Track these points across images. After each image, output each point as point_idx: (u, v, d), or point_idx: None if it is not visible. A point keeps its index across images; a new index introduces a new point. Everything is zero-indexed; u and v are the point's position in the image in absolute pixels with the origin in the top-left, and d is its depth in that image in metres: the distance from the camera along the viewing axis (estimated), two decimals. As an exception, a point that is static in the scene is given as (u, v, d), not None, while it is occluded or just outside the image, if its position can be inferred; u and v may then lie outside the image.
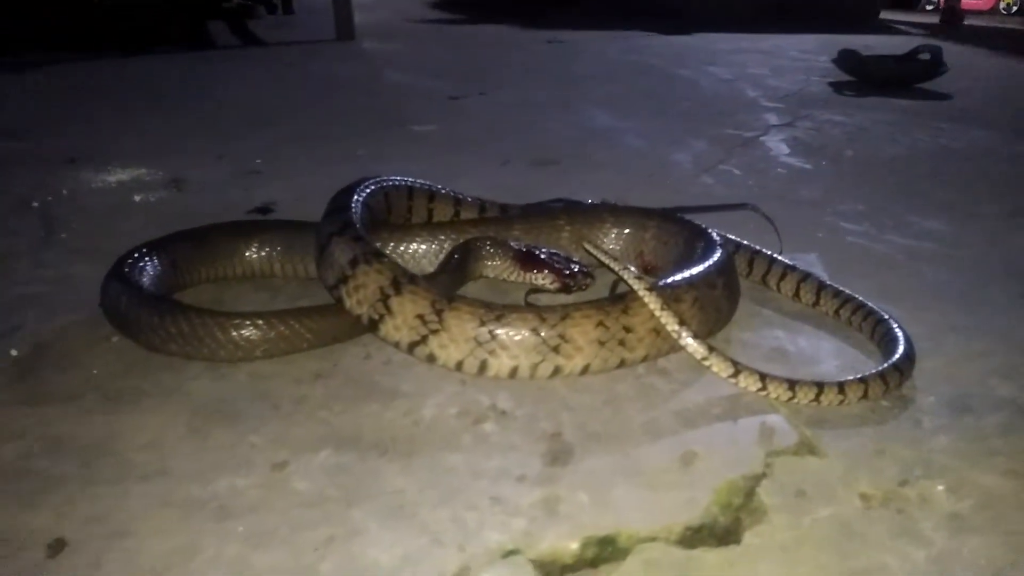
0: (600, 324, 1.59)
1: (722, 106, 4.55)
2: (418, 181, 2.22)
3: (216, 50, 6.81)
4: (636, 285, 1.61)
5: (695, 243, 1.98)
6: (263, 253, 2.03)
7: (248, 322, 1.65)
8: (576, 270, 1.96)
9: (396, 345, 1.63)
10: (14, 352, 1.70)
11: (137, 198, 2.73)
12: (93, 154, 3.23)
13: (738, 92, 5.03)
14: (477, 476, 1.31)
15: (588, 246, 1.79)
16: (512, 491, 1.27)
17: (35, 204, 2.64)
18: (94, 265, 2.08)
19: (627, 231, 2.15)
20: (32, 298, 1.94)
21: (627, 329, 1.61)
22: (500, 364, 1.58)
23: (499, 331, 1.57)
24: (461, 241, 1.99)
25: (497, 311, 1.59)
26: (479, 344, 1.58)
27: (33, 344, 1.73)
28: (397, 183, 2.14)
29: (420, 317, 1.60)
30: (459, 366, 1.59)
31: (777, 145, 3.64)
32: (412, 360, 1.65)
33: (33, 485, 1.28)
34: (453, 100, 4.59)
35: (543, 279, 1.97)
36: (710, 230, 2.02)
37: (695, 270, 1.78)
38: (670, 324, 1.58)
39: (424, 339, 1.60)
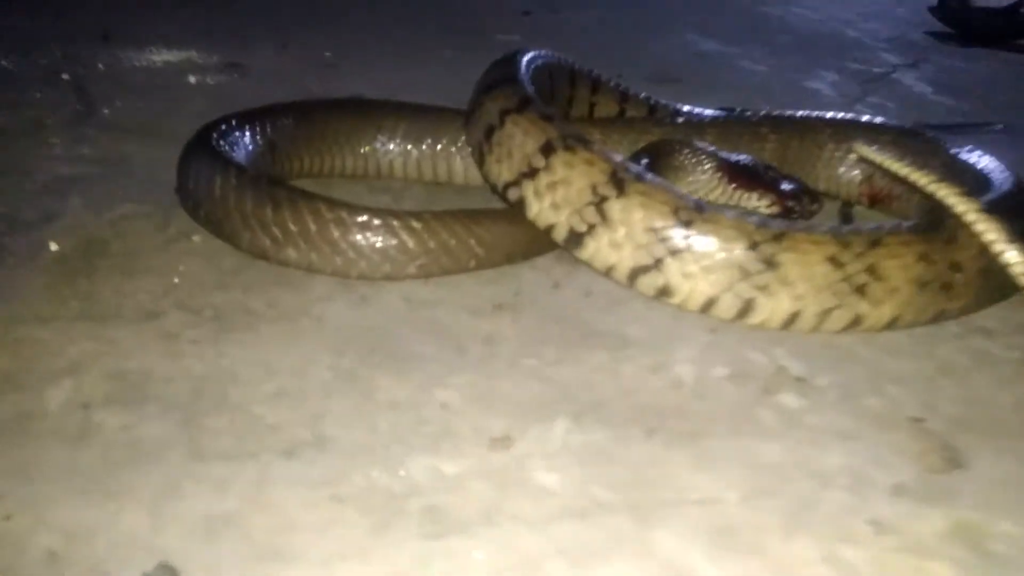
0: (923, 258, 1.08)
1: (826, 42, 3.98)
2: (577, 64, 1.67)
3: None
4: (963, 205, 1.09)
5: (962, 167, 1.47)
6: (390, 145, 1.49)
7: (403, 224, 1.12)
8: (799, 190, 1.44)
9: (608, 271, 1.12)
10: (54, 246, 1.17)
11: (192, 79, 2.16)
12: (129, 32, 2.64)
13: (836, 31, 4.44)
14: (823, 482, 0.80)
15: (864, 149, 1.26)
16: (894, 511, 0.77)
17: (65, 76, 2.07)
18: (151, 146, 1.54)
19: (848, 148, 1.62)
20: (75, 180, 1.39)
21: (954, 267, 1.10)
22: (775, 307, 1.07)
23: (781, 257, 1.06)
24: (647, 143, 1.46)
25: (775, 228, 1.08)
26: (747, 276, 1.06)
27: (81, 238, 1.19)
28: (561, 62, 1.60)
29: (654, 231, 1.08)
30: (708, 306, 1.08)
31: (916, 83, 3.10)
32: (622, 293, 1.13)
33: (114, 454, 0.76)
34: (526, 15, 4.00)
35: (758, 200, 1.44)
36: (985, 154, 1.50)
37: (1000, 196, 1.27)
38: (1018, 262, 1.07)
39: (658, 264, 1.09)
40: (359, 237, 1.10)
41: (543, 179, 1.15)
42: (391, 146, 1.51)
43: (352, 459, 0.78)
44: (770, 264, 1.05)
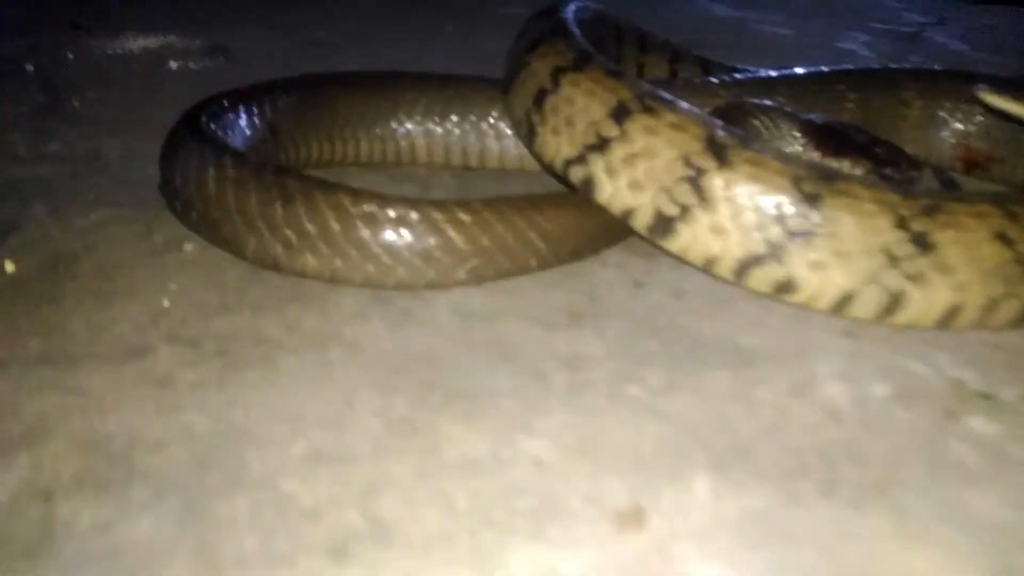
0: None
1: (843, 4, 3.75)
2: (623, 18, 1.43)
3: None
4: None
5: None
6: (411, 124, 1.25)
7: (450, 218, 0.88)
8: (896, 154, 1.21)
9: (708, 265, 0.88)
10: (10, 267, 0.92)
11: (173, 65, 1.90)
12: (101, 19, 2.36)
13: (848, -9, 4.23)
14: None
15: (991, 96, 1.03)
16: None
17: (29, 67, 1.81)
18: (128, 140, 1.29)
19: (940, 105, 1.39)
20: (37, 183, 1.14)
21: None
22: (930, 300, 0.83)
23: (937, 237, 0.83)
24: (722, 104, 1.22)
25: (925, 199, 0.84)
26: (894, 262, 0.83)
27: (45, 255, 0.95)
28: (607, 15, 1.35)
29: (769, 210, 0.84)
30: (844, 303, 0.85)
31: (950, 40, 2.87)
32: (723, 291, 0.90)
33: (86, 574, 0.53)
34: (524, -11, 3.73)
35: (850, 169, 1.21)
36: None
37: None
38: None
39: (776, 252, 0.85)
40: (395, 236, 0.86)
41: (617, 151, 0.91)
42: (412, 125, 1.26)
43: (426, 557, 0.54)
44: (924, 246, 0.82)
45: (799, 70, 1.39)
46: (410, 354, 0.78)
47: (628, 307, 0.89)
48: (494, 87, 1.28)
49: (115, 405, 0.68)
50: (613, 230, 1.00)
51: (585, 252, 0.98)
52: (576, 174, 0.95)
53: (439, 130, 1.27)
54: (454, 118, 1.27)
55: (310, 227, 0.86)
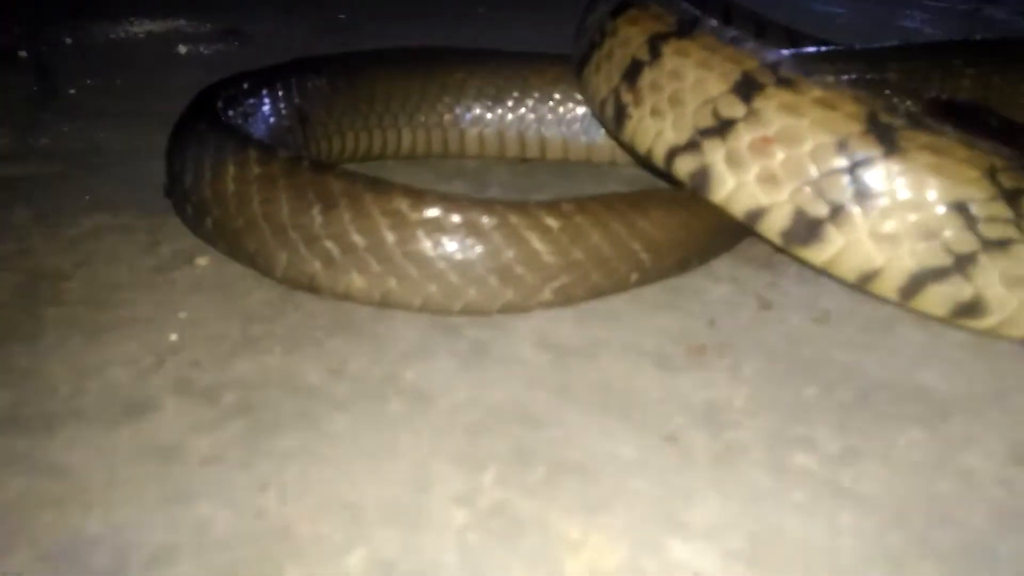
0: None
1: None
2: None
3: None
4: None
5: None
6: (460, 109, 1.05)
7: (532, 223, 0.68)
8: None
9: (866, 280, 0.67)
10: (-17, 291, 0.74)
11: (182, 49, 1.71)
12: (103, 2, 2.18)
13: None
14: None
15: None
16: None
17: (23, 54, 1.62)
18: (131, 133, 1.10)
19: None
20: (22, 183, 0.95)
21: None
22: None
23: None
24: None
25: None
26: None
27: (26, 273, 0.75)
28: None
29: (957, 208, 0.64)
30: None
31: (1012, 17, 2.65)
32: (877, 312, 0.70)
33: None
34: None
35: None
36: None
37: None
38: None
39: (961, 265, 0.65)
40: (465, 248, 0.67)
41: (744, 136, 0.71)
42: (461, 111, 1.07)
43: None
44: None
45: (909, 43, 1.19)
46: (493, 406, 0.59)
47: (760, 335, 0.69)
48: (556, 64, 1.08)
49: (103, 492, 0.49)
50: (724, 235, 0.80)
51: (693, 263, 0.78)
52: (684, 165, 0.75)
53: (493, 116, 1.07)
54: (510, 102, 1.07)
55: (357, 238, 0.67)
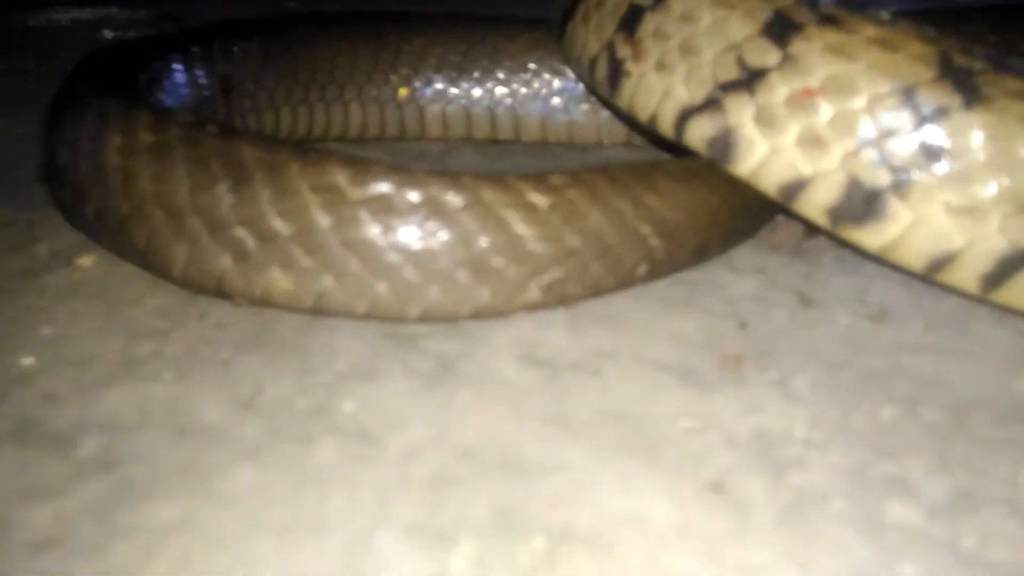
0: None
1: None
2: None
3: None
4: None
5: None
6: (419, 82, 0.88)
7: (514, 199, 0.52)
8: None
9: (934, 267, 0.52)
10: None
11: (109, 35, 1.53)
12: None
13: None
14: None
15: None
16: None
17: (-78, 39, 1.43)
18: (27, 118, 0.92)
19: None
20: None
21: None
22: None
23: None
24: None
25: None
26: None
27: None
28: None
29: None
30: None
31: None
32: (930, 305, 0.56)
33: None
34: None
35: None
36: None
37: None
38: None
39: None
40: (423, 234, 0.51)
41: (779, 89, 0.56)
42: (420, 84, 0.91)
43: None
44: None
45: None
46: (465, 447, 0.42)
47: (807, 340, 0.54)
48: (531, 30, 0.92)
49: None
50: (751, 217, 0.65)
51: (712, 251, 0.63)
52: (700, 130, 0.60)
53: (458, 90, 0.91)
54: (477, 73, 0.91)
55: (279, 223, 0.50)
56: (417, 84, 0.90)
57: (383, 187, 0.49)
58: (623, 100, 0.67)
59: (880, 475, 0.41)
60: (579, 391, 0.47)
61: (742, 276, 0.62)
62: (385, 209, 0.49)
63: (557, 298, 0.54)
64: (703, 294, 0.59)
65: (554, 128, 0.92)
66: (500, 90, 0.91)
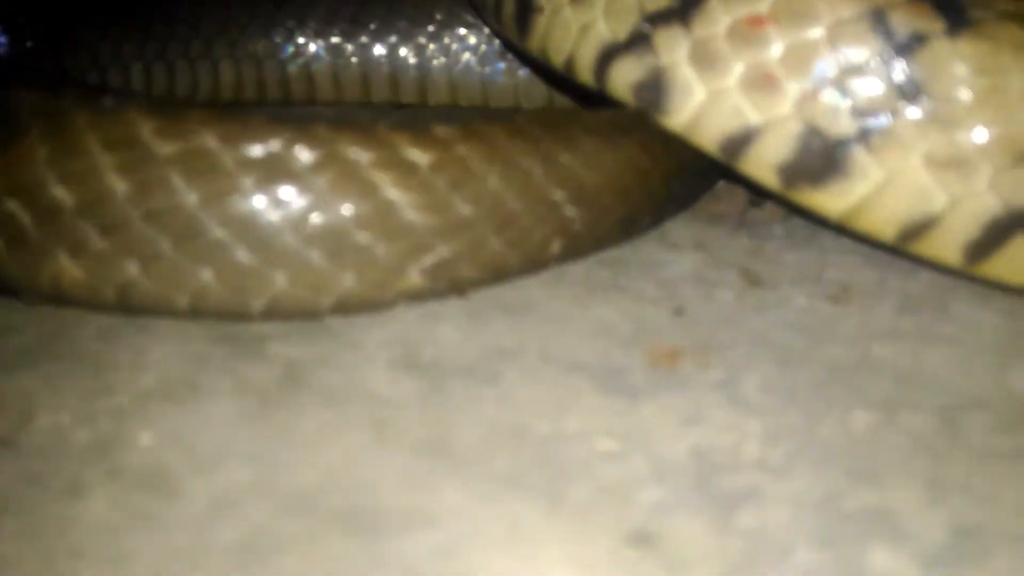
0: None
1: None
2: None
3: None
4: None
5: None
6: (303, 38, 0.75)
7: (384, 156, 0.41)
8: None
9: (908, 235, 0.43)
10: None
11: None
12: None
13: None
14: None
15: None
16: None
17: None
18: None
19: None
20: None
21: None
22: None
23: None
24: None
25: None
26: None
27: None
28: None
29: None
30: None
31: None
32: (896, 281, 0.47)
33: None
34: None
35: None
36: None
37: None
38: None
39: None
40: (263, 202, 0.39)
41: (720, 18, 0.46)
42: (306, 39, 0.78)
43: None
44: None
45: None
46: (301, 495, 0.31)
47: (757, 327, 0.44)
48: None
49: None
50: (689, 181, 0.55)
51: (642, 223, 0.53)
52: (626, 73, 0.49)
53: (352, 46, 0.79)
54: (374, 25, 0.79)
55: (61, 191, 0.38)
56: (302, 39, 0.77)
57: (204, 140, 0.38)
58: (534, 43, 0.56)
59: (858, 508, 0.31)
60: (468, 405, 0.36)
61: (679, 253, 0.52)
62: (205, 169, 0.37)
63: (446, 284, 0.43)
64: (632, 276, 0.49)
65: (466, 89, 0.80)
66: (402, 46, 0.80)
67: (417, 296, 0.43)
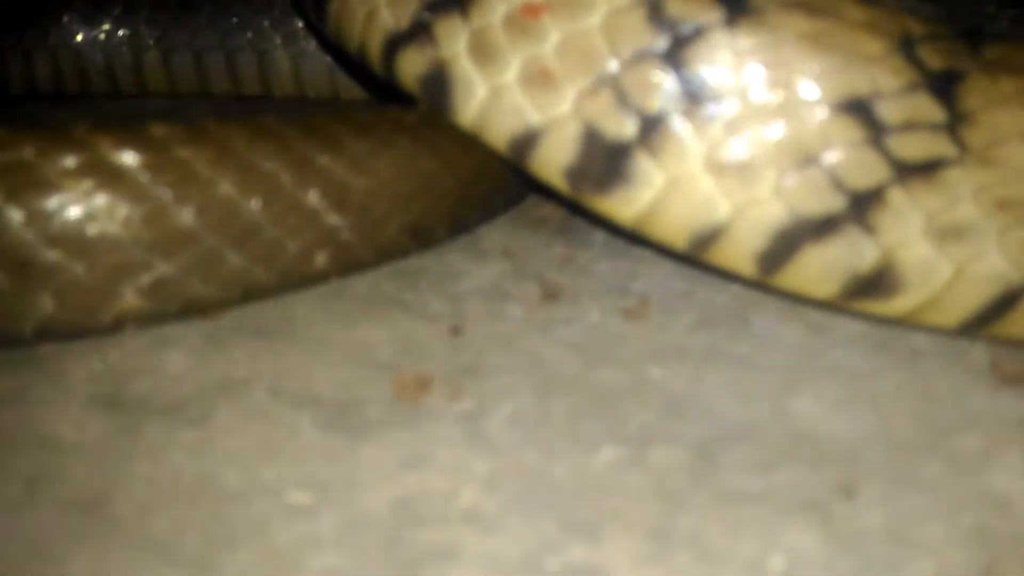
0: None
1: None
2: None
3: None
4: None
5: None
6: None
7: (84, 161, 0.36)
8: None
9: (699, 244, 0.40)
10: None
11: None
12: None
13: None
14: None
15: None
16: None
17: None
18: None
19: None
20: None
21: None
22: None
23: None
24: None
25: None
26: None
27: None
28: None
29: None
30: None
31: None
32: (707, 299, 0.44)
33: None
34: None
35: None
36: None
37: None
38: None
39: (859, 214, 0.39)
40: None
41: (498, 6, 0.42)
42: (133, 24, 0.72)
43: None
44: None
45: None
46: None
47: (532, 348, 0.40)
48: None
49: None
50: (503, 186, 0.51)
51: (437, 232, 0.49)
52: (410, 66, 0.45)
53: (182, 32, 0.73)
54: (209, 7, 0.73)
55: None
56: (129, 25, 0.71)
57: None
58: (331, 28, 0.51)
59: (561, 568, 0.27)
60: (155, 452, 0.32)
61: (483, 263, 0.48)
62: None
63: (178, 305, 0.38)
64: (420, 290, 0.45)
65: (312, 79, 0.75)
66: (240, 33, 0.74)
67: (144, 319, 0.38)
